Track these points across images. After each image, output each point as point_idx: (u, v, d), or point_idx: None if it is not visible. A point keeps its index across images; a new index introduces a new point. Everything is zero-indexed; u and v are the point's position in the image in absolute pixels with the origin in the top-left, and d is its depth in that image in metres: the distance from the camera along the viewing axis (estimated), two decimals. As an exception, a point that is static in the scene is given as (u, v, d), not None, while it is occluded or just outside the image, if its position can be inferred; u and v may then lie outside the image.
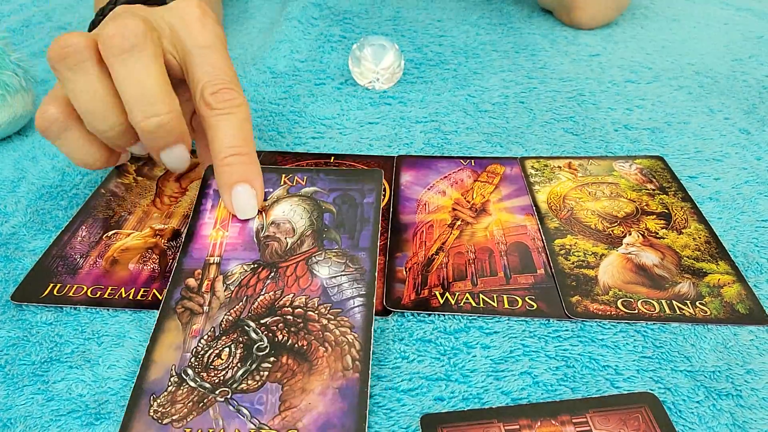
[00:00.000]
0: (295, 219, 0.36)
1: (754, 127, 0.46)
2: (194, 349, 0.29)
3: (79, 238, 0.38)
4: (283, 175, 0.38)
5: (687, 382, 0.28)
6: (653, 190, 0.40)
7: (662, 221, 0.37)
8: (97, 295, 0.33)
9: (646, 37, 0.63)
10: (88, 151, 0.35)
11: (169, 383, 0.28)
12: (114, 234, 0.38)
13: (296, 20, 0.61)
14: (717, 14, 0.65)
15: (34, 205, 0.41)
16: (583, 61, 0.58)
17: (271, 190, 0.37)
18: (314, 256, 0.34)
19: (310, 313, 0.31)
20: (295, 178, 0.38)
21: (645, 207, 0.38)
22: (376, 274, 0.33)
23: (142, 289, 0.34)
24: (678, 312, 0.31)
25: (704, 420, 0.26)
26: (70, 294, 0.34)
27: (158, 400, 0.28)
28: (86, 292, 0.34)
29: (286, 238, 0.35)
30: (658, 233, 0.36)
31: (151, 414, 0.27)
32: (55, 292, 0.34)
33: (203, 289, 0.32)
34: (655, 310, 0.31)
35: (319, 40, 0.59)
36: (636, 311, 0.31)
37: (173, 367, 0.29)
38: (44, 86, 0.57)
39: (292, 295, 0.32)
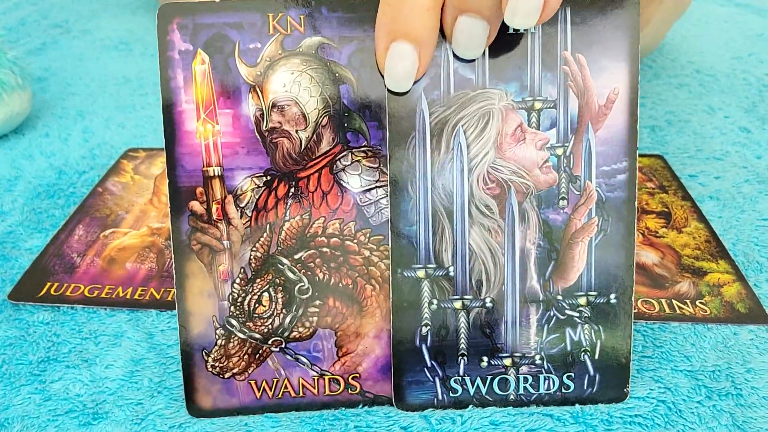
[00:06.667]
0: (302, 97, 0.26)
1: (755, 125, 0.46)
2: (230, 296, 0.27)
3: (76, 237, 0.37)
4: (270, 16, 0.26)
5: (687, 382, 0.28)
6: (653, 188, 0.40)
7: (662, 220, 0.37)
8: (95, 295, 0.33)
9: (645, 34, 0.63)
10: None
11: (217, 336, 0.27)
12: (111, 233, 0.38)
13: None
14: (716, 12, 0.65)
15: (31, 204, 0.41)
16: (583, 59, 0.58)
17: (259, 45, 0.26)
18: (339, 160, 0.26)
19: (348, 243, 0.26)
20: (288, 19, 0.26)
21: (645, 206, 0.38)
22: None
23: (140, 289, 0.34)
24: (678, 311, 0.31)
25: (704, 420, 0.26)
26: (68, 293, 0.33)
27: (212, 355, 0.27)
28: (83, 291, 0.33)
29: (297, 132, 0.26)
30: (657, 232, 0.36)
31: (210, 369, 0.26)
32: (52, 292, 0.33)
33: (214, 217, 0.26)
34: (655, 309, 0.31)
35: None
36: (636, 310, 0.31)
37: (214, 318, 0.27)
38: (41, 84, 0.57)
39: (323, 219, 0.26)
